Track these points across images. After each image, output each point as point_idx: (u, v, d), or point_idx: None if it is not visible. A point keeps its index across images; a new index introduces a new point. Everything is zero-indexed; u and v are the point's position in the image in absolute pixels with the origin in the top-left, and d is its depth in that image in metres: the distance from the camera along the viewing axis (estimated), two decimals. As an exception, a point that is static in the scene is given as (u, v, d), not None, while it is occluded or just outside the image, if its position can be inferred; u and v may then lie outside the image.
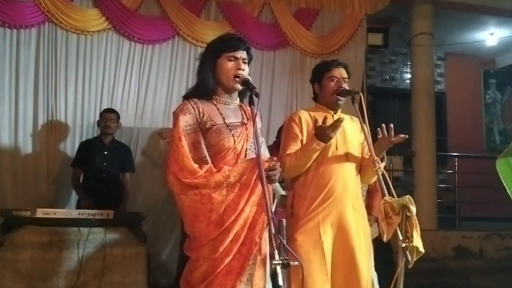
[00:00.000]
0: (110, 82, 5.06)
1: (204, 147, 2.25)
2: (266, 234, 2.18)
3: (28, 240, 3.63)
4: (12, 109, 4.73)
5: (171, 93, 5.22)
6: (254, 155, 2.24)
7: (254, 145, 2.10)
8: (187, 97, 2.35)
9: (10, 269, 3.54)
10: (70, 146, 4.86)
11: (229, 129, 2.28)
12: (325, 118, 2.54)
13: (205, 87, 2.33)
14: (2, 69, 4.72)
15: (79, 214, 3.79)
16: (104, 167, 4.50)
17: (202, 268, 2.16)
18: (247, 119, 2.36)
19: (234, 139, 2.26)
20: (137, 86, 5.14)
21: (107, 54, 5.06)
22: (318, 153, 2.64)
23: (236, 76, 2.28)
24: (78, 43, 4.96)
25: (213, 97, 2.34)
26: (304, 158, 2.67)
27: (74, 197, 4.68)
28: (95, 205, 4.18)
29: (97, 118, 4.72)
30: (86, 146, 4.61)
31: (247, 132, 2.32)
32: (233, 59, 2.30)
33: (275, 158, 2.21)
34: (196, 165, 2.16)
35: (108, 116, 4.58)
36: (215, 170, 2.17)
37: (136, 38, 5.13)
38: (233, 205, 2.13)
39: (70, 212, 3.97)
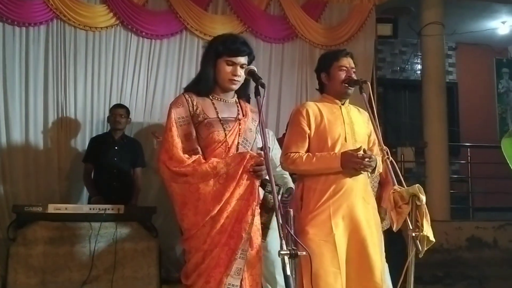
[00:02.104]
0: (119, 77, 5.05)
1: (195, 139, 2.32)
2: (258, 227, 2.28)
3: (40, 235, 3.68)
4: (22, 106, 4.75)
5: (180, 88, 5.17)
6: (245, 150, 2.33)
7: (261, 135, 2.12)
8: (186, 90, 2.43)
9: (23, 264, 3.60)
10: (81, 142, 4.87)
11: (221, 123, 2.34)
12: (359, 149, 2.56)
13: (203, 85, 2.40)
14: (12, 67, 4.73)
15: (90, 209, 3.83)
16: (115, 162, 4.51)
17: (193, 259, 2.23)
18: (243, 115, 2.42)
19: (225, 133, 2.32)
20: (145, 81, 5.13)
21: (116, 50, 5.06)
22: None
23: (231, 80, 2.35)
24: (86, 40, 4.96)
25: (210, 93, 2.41)
26: (318, 170, 2.66)
27: (86, 192, 4.69)
28: (106, 202, 4.18)
29: (107, 114, 4.75)
30: (96, 142, 4.62)
31: (240, 127, 2.38)
32: (231, 63, 2.35)
33: (262, 153, 2.22)
34: (185, 155, 2.24)
35: (118, 112, 4.59)
36: (203, 161, 2.23)
37: (144, 33, 5.11)
38: (219, 195, 2.18)
39: (81, 207, 4.03)
